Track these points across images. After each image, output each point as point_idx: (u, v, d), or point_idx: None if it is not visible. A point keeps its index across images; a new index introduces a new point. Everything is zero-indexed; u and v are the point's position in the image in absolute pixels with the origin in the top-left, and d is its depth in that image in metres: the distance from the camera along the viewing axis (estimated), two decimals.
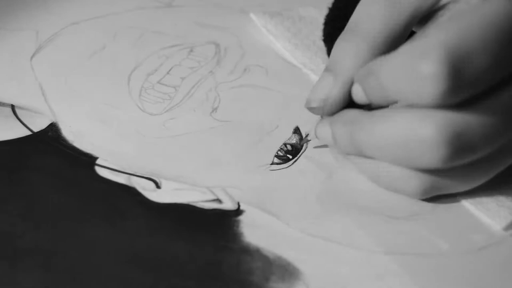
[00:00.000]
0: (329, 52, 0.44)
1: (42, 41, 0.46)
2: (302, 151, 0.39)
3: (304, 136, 0.39)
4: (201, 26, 0.49)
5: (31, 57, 0.45)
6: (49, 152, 0.38)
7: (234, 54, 0.46)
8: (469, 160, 0.33)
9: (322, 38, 0.45)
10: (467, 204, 0.36)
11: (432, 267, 0.33)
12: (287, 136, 0.40)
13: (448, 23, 0.32)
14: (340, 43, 0.36)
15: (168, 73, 0.44)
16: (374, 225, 0.35)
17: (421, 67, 0.31)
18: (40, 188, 0.36)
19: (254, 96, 0.43)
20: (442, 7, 0.35)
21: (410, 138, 0.32)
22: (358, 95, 0.35)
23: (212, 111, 0.42)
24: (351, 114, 0.35)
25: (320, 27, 0.45)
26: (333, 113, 0.36)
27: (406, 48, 0.32)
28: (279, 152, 0.39)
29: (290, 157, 0.39)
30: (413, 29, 0.37)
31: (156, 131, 0.40)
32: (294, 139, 0.40)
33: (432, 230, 0.35)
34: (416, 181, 0.34)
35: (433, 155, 0.32)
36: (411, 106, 0.32)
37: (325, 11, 0.45)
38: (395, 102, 0.34)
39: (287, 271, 0.33)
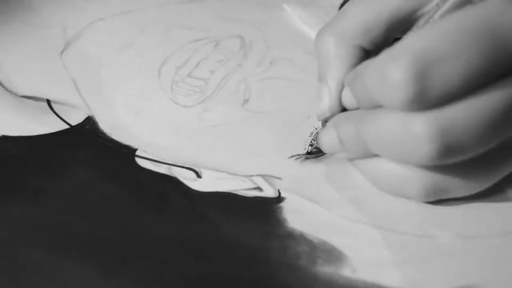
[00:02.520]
0: None
1: (70, 37, 0.47)
2: None
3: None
4: (224, 20, 0.49)
5: (61, 53, 0.46)
6: (89, 145, 0.39)
7: (260, 47, 0.47)
8: (463, 158, 0.32)
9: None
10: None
11: (473, 250, 0.34)
12: (319, 126, 0.41)
13: (420, 30, 0.32)
14: (321, 39, 0.37)
15: (196, 66, 0.45)
16: (409, 209, 0.36)
17: (390, 72, 0.31)
18: (84, 180, 0.37)
19: (283, 88, 0.44)
20: (423, 15, 0.35)
21: (404, 134, 0.32)
22: (348, 99, 0.36)
23: (244, 102, 0.43)
24: (357, 112, 0.35)
25: None
26: None
27: (383, 53, 0.32)
28: (312, 141, 0.40)
29: None
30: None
31: (191, 122, 0.41)
32: None
33: (465, 213, 0.36)
34: (417, 183, 0.34)
35: (423, 151, 0.31)
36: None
37: None
38: (380, 105, 0.33)
39: (332, 255, 0.34)
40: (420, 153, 0.32)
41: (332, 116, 0.37)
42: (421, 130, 0.31)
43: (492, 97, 0.31)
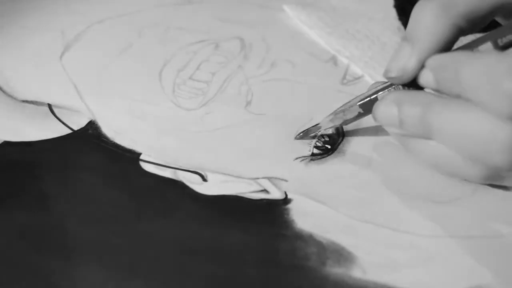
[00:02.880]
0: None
1: (68, 40, 0.47)
2: (339, 141, 0.40)
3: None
4: (223, 21, 0.49)
5: (60, 56, 0.45)
6: (92, 149, 0.39)
7: (260, 49, 0.47)
8: None
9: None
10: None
11: (479, 249, 0.34)
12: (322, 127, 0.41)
13: None
14: (422, 9, 0.36)
15: (198, 68, 0.45)
16: (417, 209, 0.36)
17: (504, 83, 0.32)
18: (89, 185, 0.37)
19: (285, 89, 0.44)
20: None
21: (485, 135, 0.33)
22: (428, 81, 0.36)
23: (246, 104, 0.42)
24: (424, 96, 0.36)
25: (352, 16, 0.46)
26: (409, 83, 0.37)
27: (493, 58, 0.33)
28: (317, 143, 0.40)
29: (329, 147, 0.40)
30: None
31: (195, 125, 0.41)
32: (330, 130, 0.41)
33: (474, 213, 0.36)
34: (479, 171, 0.35)
35: (504, 158, 0.32)
36: None
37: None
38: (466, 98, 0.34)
39: (342, 255, 0.34)
40: (500, 159, 0.33)
41: (399, 79, 0.36)
42: (509, 139, 0.32)
43: None
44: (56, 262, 0.33)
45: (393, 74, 0.37)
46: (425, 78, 0.36)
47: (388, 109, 0.36)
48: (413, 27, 0.36)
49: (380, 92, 0.38)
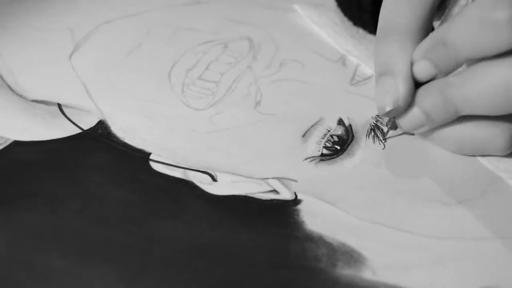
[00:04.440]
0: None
1: (78, 40, 0.47)
2: (349, 141, 0.40)
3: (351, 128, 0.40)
4: (231, 21, 0.49)
5: (70, 56, 0.45)
6: (102, 149, 0.39)
7: (268, 49, 0.47)
8: None
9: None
10: None
11: (489, 250, 0.34)
12: (332, 128, 0.41)
13: None
14: (383, 46, 0.38)
15: (207, 68, 0.45)
16: (427, 211, 0.36)
17: (496, 14, 0.33)
18: (99, 185, 0.37)
19: (294, 90, 0.44)
20: None
21: (510, 84, 0.35)
22: (425, 71, 0.37)
23: (256, 105, 0.42)
24: (435, 83, 0.37)
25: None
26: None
27: (472, 6, 0.35)
28: (326, 143, 0.40)
29: (338, 148, 0.40)
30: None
31: (204, 125, 0.41)
32: (339, 130, 0.41)
33: (484, 215, 0.36)
34: (504, 137, 0.37)
35: None
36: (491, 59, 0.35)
37: None
38: (463, 63, 0.36)
39: (352, 257, 0.34)
40: None
41: (396, 109, 0.37)
42: None
43: None
44: (66, 262, 0.33)
45: (389, 108, 0.37)
46: (421, 69, 0.37)
47: (411, 114, 0.37)
48: (380, 62, 0.38)
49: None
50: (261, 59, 0.46)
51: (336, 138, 0.40)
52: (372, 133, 0.40)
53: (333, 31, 0.47)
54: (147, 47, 0.47)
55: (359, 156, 0.39)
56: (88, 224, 0.35)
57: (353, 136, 0.40)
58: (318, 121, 0.41)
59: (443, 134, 0.38)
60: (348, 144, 0.40)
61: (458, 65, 0.37)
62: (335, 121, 0.41)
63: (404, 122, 0.38)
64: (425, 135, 0.39)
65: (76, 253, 0.33)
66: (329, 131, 0.40)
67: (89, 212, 0.35)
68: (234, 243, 0.34)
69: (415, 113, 0.37)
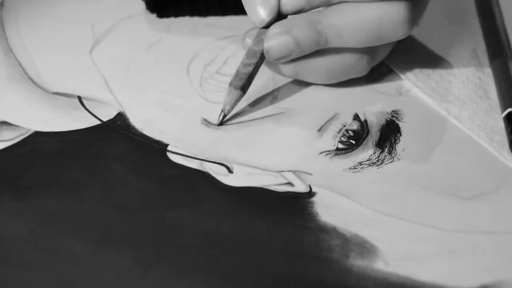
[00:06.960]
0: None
1: (98, 34, 0.48)
2: (364, 136, 0.41)
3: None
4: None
5: (91, 50, 0.46)
6: (121, 140, 0.40)
7: None
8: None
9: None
10: None
11: (502, 245, 0.35)
12: (347, 123, 0.41)
13: None
14: None
15: (224, 63, 0.46)
16: (441, 204, 0.36)
17: None
18: (117, 174, 0.38)
19: (310, 84, 0.44)
20: None
21: (383, 20, 0.39)
22: (290, 4, 0.40)
23: (273, 99, 0.43)
24: (311, 14, 0.40)
25: None
26: None
27: None
28: (342, 138, 0.40)
29: (353, 142, 0.40)
30: None
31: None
32: (355, 125, 0.41)
33: (497, 209, 0.36)
34: (365, 60, 0.41)
35: (404, 30, 0.40)
36: None
37: None
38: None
39: (365, 248, 0.34)
40: (401, 32, 0.40)
41: (268, 23, 0.40)
42: (403, 15, 0.39)
43: None
44: (85, 246, 0.34)
45: (265, 22, 0.40)
46: (287, 4, 0.40)
47: (282, 40, 0.40)
48: None
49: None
50: None
51: (351, 133, 0.41)
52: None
53: None
54: (167, 42, 0.47)
55: (374, 150, 0.40)
56: (107, 211, 0.35)
57: (368, 131, 0.41)
58: (334, 116, 0.42)
59: (313, 67, 0.41)
60: (363, 139, 0.40)
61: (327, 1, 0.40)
62: (351, 116, 0.42)
63: (274, 48, 0.40)
64: (291, 71, 0.41)
65: (95, 239, 0.34)
66: (344, 126, 0.41)
67: (108, 199, 0.36)
68: (249, 233, 0.35)
69: (286, 40, 0.40)
